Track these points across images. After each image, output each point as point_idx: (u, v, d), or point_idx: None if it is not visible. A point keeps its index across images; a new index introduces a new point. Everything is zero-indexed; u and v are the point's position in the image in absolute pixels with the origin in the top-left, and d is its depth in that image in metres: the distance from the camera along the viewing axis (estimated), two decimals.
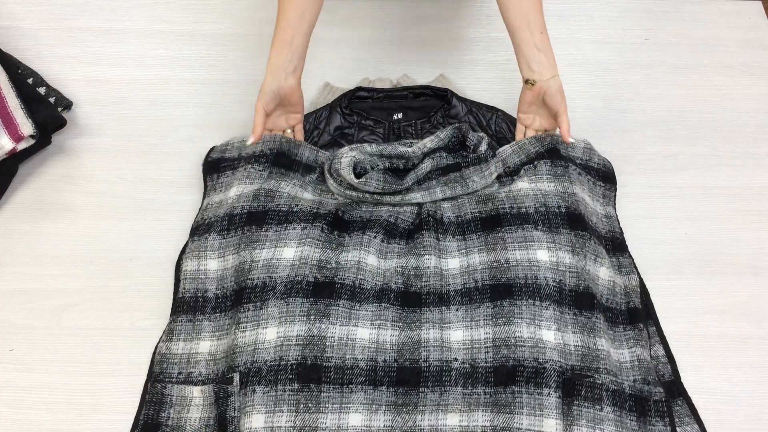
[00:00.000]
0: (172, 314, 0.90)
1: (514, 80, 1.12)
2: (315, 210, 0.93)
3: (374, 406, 0.82)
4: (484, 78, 1.12)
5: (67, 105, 1.08)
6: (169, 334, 0.89)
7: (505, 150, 1.01)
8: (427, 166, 0.97)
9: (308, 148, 1.02)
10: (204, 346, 0.87)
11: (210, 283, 0.91)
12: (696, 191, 1.03)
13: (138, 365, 0.87)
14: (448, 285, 0.90)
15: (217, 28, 1.20)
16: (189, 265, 0.92)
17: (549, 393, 0.80)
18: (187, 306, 0.90)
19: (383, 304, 0.88)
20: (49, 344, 0.89)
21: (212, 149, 1.03)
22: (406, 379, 0.83)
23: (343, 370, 0.82)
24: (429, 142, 0.97)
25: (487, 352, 0.84)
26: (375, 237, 0.93)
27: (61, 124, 1.05)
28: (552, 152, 0.99)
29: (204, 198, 0.99)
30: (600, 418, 0.80)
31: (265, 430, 0.79)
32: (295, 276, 0.87)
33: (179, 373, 0.86)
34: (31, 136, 1.00)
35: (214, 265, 0.91)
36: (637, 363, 0.87)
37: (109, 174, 1.04)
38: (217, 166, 1.00)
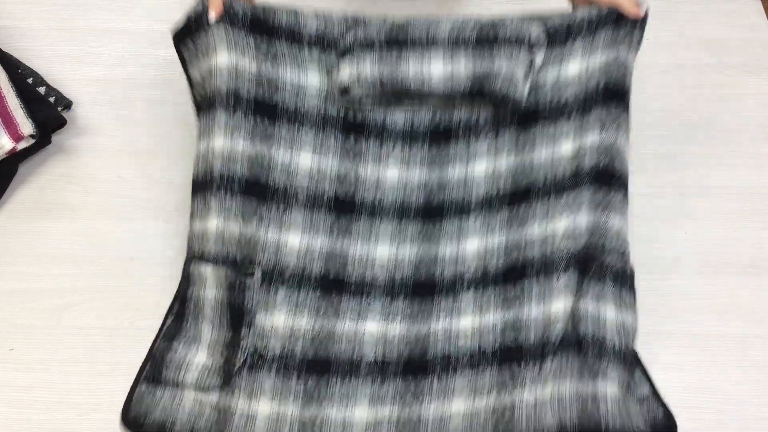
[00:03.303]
0: (191, 196, 0.88)
1: None
2: (323, 111, 0.89)
3: (390, 316, 0.86)
4: None
5: (67, 105, 1.08)
6: (191, 215, 0.88)
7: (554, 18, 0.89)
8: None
9: (284, 13, 0.88)
10: (212, 223, 0.85)
11: (216, 161, 0.85)
12: (696, 191, 1.03)
13: (138, 365, 0.87)
14: (470, 194, 0.90)
15: None
16: (200, 146, 0.87)
17: (558, 277, 0.82)
18: (198, 186, 0.87)
19: (403, 221, 0.90)
20: (49, 344, 0.89)
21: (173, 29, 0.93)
22: (421, 291, 0.87)
23: (362, 286, 0.87)
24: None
25: (499, 258, 0.86)
26: (393, 148, 0.91)
27: (61, 123, 1.05)
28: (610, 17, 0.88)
29: (189, 70, 0.92)
30: (603, 295, 0.81)
31: (285, 329, 0.82)
32: (316, 189, 0.88)
33: (197, 250, 0.86)
34: (31, 136, 1.00)
35: (219, 143, 0.85)
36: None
37: (109, 174, 1.03)
38: (188, 30, 0.91)
